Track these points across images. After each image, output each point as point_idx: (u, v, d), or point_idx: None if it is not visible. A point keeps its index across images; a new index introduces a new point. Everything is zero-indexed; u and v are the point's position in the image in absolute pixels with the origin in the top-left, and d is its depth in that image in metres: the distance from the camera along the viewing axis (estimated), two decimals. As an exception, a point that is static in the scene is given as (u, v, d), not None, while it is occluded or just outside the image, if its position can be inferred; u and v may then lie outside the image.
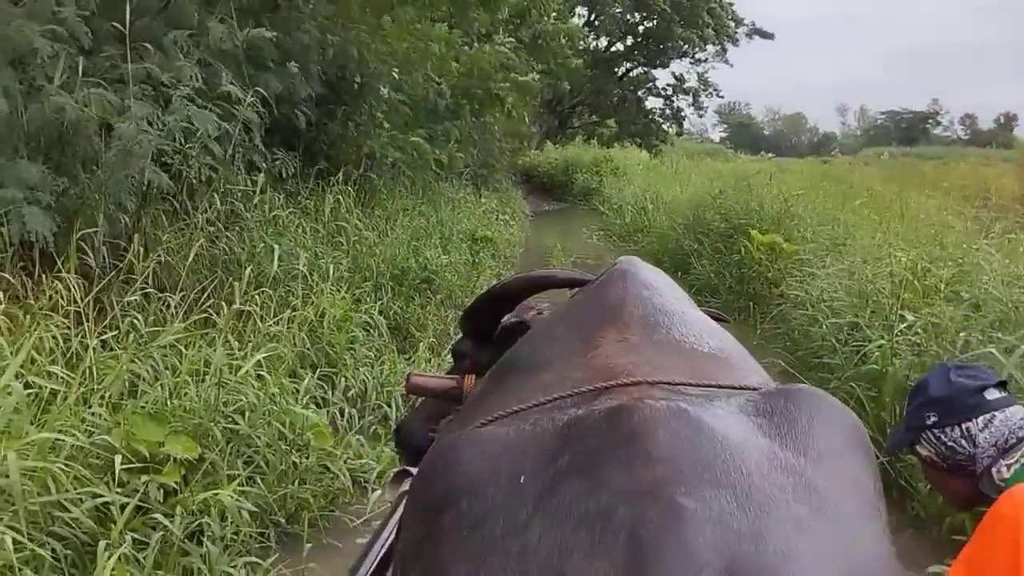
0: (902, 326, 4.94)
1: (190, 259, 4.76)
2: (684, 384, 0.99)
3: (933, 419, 1.75)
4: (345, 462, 4.24)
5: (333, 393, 4.97)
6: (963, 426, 1.70)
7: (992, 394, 1.72)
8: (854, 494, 0.87)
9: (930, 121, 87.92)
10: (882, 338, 4.93)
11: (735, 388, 1.02)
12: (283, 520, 3.75)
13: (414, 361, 6.01)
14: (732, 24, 31.28)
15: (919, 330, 4.89)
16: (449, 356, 1.79)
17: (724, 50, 32.39)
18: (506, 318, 1.73)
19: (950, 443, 1.72)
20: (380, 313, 6.37)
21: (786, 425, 0.91)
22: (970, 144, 62.13)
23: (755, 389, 1.02)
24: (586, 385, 1.00)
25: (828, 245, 7.41)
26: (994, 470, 1.65)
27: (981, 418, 1.69)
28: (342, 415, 4.84)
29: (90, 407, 3.41)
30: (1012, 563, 0.69)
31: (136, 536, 3.04)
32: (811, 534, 0.76)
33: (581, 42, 24.88)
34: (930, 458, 1.77)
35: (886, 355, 4.80)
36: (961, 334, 4.67)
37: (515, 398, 1.06)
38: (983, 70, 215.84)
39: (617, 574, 0.69)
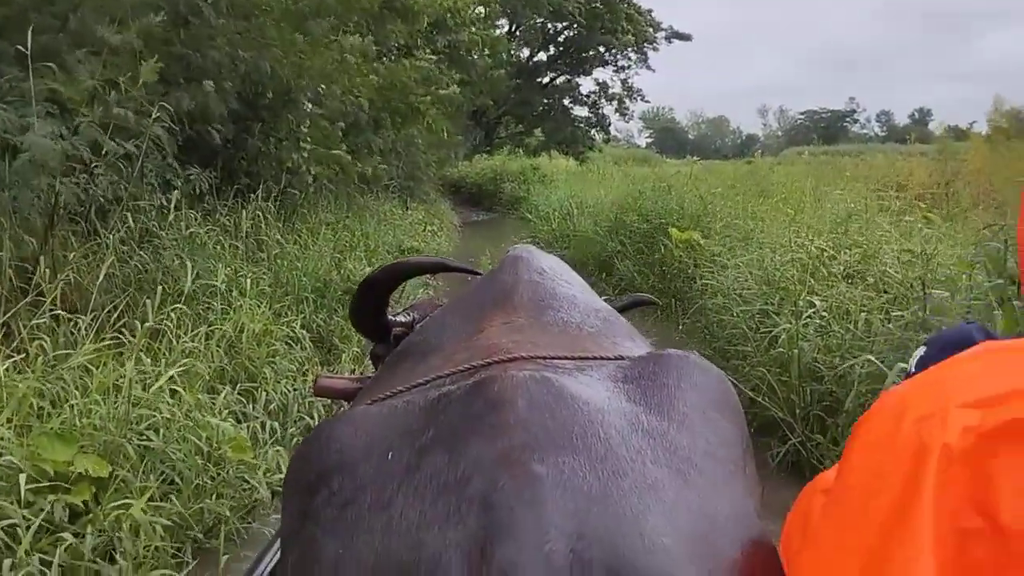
0: (810, 311, 5.09)
1: (100, 279, 4.67)
2: (559, 358, 1.01)
3: None
4: (264, 474, 4.21)
5: (254, 407, 4.91)
6: None
7: None
8: (718, 454, 0.88)
9: (848, 119, 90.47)
10: (789, 323, 5.08)
11: (609, 358, 1.04)
12: (200, 535, 3.71)
13: (337, 372, 5.98)
14: (651, 29, 31.80)
15: (824, 313, 5.05)
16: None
17: (645, 55, 32.90)
18: (405, 315, 1.75)
19: None
20: (302, 326, 6.32)
21: (653, 389, 0.92)
22: (887, 140, 64.14)
23: (627, 358, 1.05)
24: (465, 364, 1.01)
25: (741, 237, 7.57)
26: None
27: None
28: (264, 428, 4.78)
29: (-5, 429, 3.34)
30: (902, 502, 0.64)
31: (44, 556, 2.98)
32: (665, 494, 0.77)
33: (505, 54, 24.96)
34: None
35: (793, 339, 4.94)
36: (863, 314, 4.85)
37: (401, 382, 1.08)
38: (896, 69, 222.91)
39: (470, 543, 0.70)
